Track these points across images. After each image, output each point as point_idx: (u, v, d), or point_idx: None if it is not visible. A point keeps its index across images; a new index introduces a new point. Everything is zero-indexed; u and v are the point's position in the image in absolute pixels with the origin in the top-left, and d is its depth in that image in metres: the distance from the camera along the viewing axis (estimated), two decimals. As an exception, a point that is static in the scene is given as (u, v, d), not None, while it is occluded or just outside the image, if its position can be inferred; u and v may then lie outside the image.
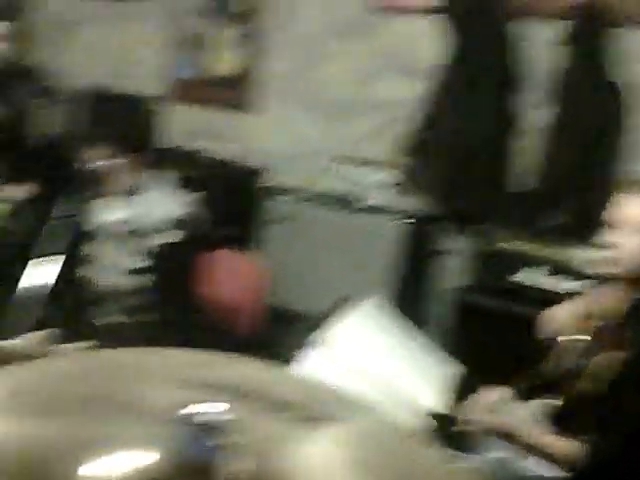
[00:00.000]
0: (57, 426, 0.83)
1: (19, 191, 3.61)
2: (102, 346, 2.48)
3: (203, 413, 0.78)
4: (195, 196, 2.86)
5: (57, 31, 5.05)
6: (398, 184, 3.83)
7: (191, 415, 0.78)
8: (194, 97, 4.58)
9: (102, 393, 0.89)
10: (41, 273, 2.33)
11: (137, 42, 4.81)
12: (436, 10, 3.61)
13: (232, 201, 3.94)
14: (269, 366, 1.04)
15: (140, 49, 4.79)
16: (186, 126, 4.43)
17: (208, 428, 0.77)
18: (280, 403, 0.89)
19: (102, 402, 0.87)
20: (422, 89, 3.68)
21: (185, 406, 0.78)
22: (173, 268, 2.66)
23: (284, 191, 3.84)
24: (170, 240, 2.65)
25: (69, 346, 2.50)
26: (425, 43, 3.76)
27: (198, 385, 0.88)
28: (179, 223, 2.67)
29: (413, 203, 3.81)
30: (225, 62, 4.46)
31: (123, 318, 2.79)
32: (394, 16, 3.95)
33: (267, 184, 4.15)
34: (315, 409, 0.91)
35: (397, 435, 0.97)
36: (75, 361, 1.09)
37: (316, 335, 2.07)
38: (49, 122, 3.70)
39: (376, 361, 2.13)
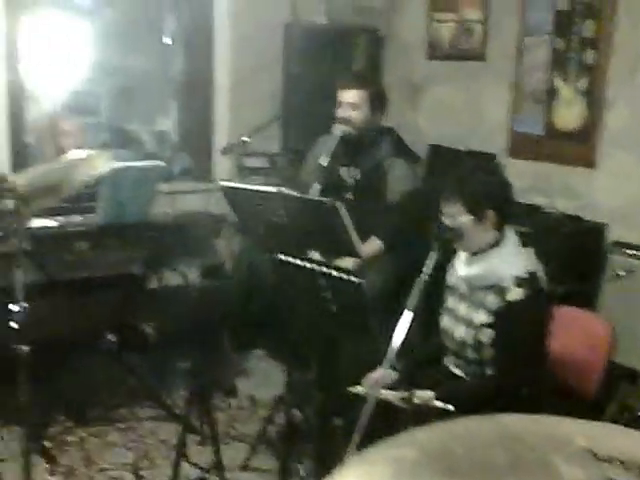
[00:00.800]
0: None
1: (372, 247, 3.87)
2: (444, 395, 2.63)
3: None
4: (539, 252, 2.90)
5: (408, 91, 5.40)
6: None
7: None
8: (538, 152, 4.63)
9: (509, 460, 0.92)
10: (403, 325, 2.51)
11: (482, 99, 5.00)
12: None
13: (575, 257, 3.94)
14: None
15: (485, 106, 4.97)
16: (529, 181, 4.50)
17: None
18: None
19: (510, 469, 0.90)
20: None
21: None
22: (518, 325, 2.71)
23: (627, 247, 3.76)
24: (517, 297, 2.70)
25: (419, 393, 2.69)
26: None
27: (605, 458, 0.90)
28: (526, 280, 2.72)
29: None
30: (569, 116, 4.47)
31: (466, 370, 2.93)
32: None
33: (610, 240, 4.09)
34: None
35: None
36: (481, 425, 1.09)
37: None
38: (405, 180, 3.92)
39: None
